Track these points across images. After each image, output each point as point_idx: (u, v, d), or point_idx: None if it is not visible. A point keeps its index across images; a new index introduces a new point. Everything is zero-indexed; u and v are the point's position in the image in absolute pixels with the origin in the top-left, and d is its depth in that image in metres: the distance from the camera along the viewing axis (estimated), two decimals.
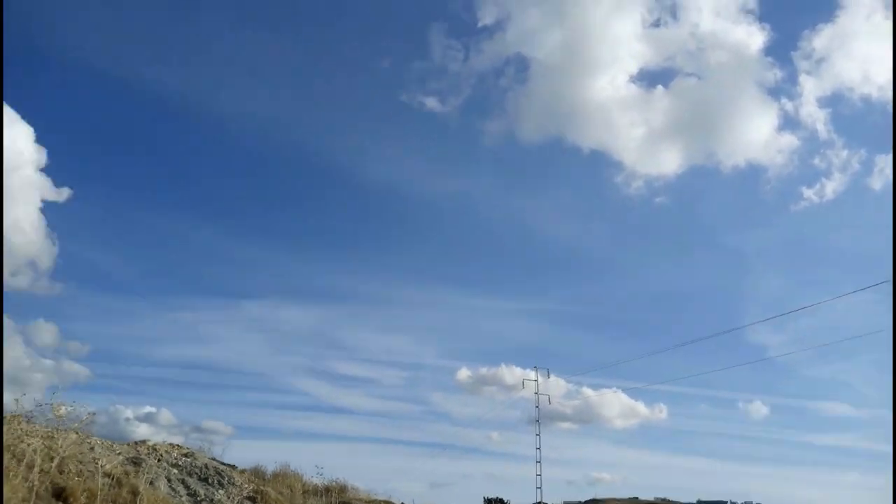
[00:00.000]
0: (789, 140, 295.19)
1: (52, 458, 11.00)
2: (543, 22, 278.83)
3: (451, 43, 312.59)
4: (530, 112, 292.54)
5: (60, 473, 10.94)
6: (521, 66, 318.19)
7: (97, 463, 12.07)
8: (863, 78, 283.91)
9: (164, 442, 15.15)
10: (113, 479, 11.52)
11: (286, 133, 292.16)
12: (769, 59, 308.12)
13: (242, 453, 17.95)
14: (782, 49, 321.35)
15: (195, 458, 14.64)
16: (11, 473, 9.71)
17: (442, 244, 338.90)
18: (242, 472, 16.92)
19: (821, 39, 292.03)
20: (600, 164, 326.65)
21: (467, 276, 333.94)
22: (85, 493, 10.38)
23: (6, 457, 9.92)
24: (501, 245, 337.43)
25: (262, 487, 14.56)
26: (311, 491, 17.30)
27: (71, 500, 10.23)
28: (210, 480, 13.93)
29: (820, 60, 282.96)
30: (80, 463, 11.59)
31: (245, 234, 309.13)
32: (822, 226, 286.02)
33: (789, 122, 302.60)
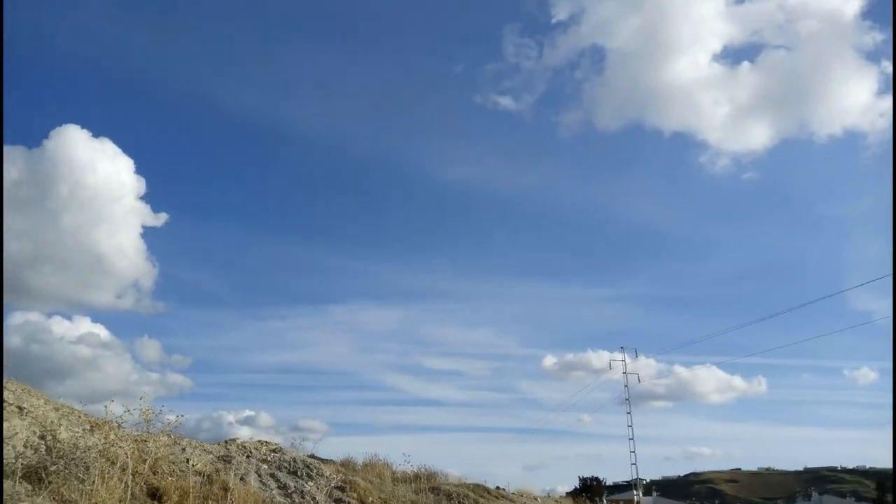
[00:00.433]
0: (891, 103, 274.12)
1: (144, 461, 11.22)
2: (619, 11, 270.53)
3: (525, 41, 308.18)
4: (607, 100, 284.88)
5: (154, 474, 11.15)
6: (597, 56, 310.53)
7: (189, 462, 12.28)
8: None
9: (252, 439, 15.35)
10: (204, 476, 11.68)
11: (365, 144, 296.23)
12: (867, 22, 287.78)
13: (337, 448, 18.20)
14: (881, 10, 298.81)
15: (284, 453, 14.74)
16: (106, 476, 9.93)
17: (521, 237, 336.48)
18: (332, 464, 16.96)
19: None
20: (683, 145, 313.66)
21: (548, 266, 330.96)
22: (178, 492, 10.54)
23: (101, 461, 10.16)
24: (581, 233, 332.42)
25: (350, 477, 14.50)
26: (400, 478, 17.18)
27: (164, 498, 10.40)
28: (299, 473, 13.98)
29: None
30: (173, 463, 11.82)
31: (328, 243, 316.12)
32: None
33: (890, 85, 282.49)
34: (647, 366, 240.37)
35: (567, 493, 63.61)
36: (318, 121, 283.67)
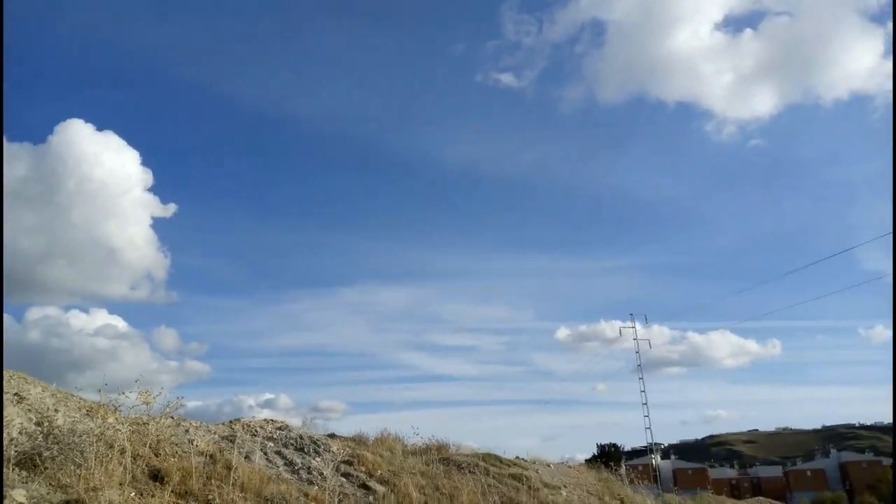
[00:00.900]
0: (890, 94, 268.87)
1: (145, 443, 11.03)
2: None
3: (524, 18, 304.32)
4: (609, 74, 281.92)
5: (156, 456, 10.97)
6: (597, 29, 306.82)
7: (192, 443, 12.10)
8: None
9: (255, 418, 15.19)
10: (207, 456, 11.49)
11: (368, 126, 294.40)
12: None
13: (357, 427, 18.10)
14: None
15: (290, 431, 14.56)
16: (105, 459, 9.73)
17: (528, 214, 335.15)
18: (342, 439, 16.82)
19: None
20: (688, 115, 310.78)
21: (556, 240, 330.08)
22: (180, 472, 10.35)
23: (98, 445, 9.96)
24: (588, 206, 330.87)
25: (359, 452, 14.31)
26: (410, 452, 17.01)
27: (167, 479, 10.22)
28: (306, 450, 13.80)
29: None
30: (175, 445, 11.64)
31: (336, 227, 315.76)
32: None
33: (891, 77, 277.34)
34: (660, 333, 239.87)
35: (586, 461, 63.91)
36: (321, 104, 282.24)
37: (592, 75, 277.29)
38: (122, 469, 9.68)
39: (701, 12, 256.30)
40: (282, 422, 15.21)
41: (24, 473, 8.97)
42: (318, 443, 14.38)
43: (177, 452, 11.35)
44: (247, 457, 12.37)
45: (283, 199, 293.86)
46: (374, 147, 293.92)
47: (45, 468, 9.09)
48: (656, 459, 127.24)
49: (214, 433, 13.32)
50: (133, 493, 9.59)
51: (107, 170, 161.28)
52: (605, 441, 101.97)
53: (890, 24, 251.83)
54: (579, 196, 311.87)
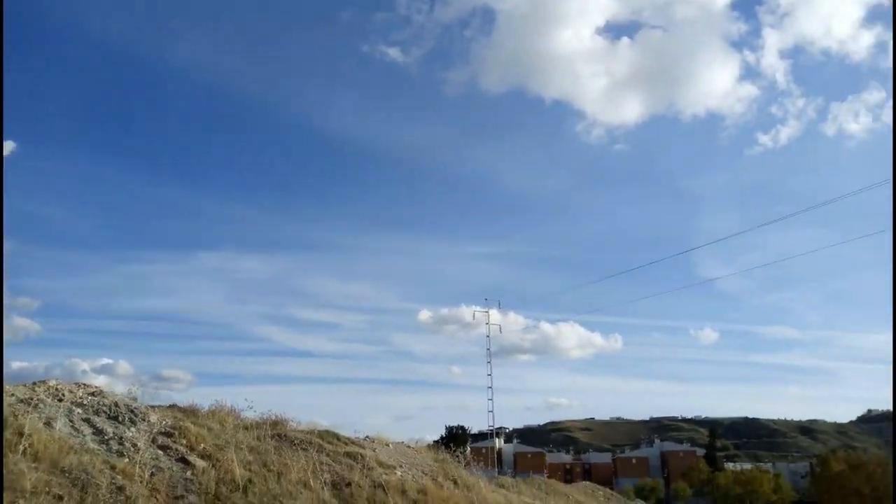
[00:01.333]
0: (749, 90, 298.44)
1: None
2: None
3: None
4: (494, 63, 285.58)
5: None
6: (487, 17, 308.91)
7: None
8: (824, 32, 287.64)
9: (63, 381, 13.71)
10: None
11: (243, 84, 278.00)
12: (735, 13, 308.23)
13: (203, 400, 16.87)
14: (748, 4, 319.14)
15: (104, 397, 13.26)
16: None
17: (403, 192, 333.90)
18: (168, 409, 15.65)
19: None
20: (562, 113, 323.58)
21: (428, 222, 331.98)
22: None
23: None
24: (462, 192, 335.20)
25: (181, 423, 13.32)
26: (244, 426, 16.16)
27: None
28: (121, 419, 12.64)
29: (784, 15, 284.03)
30: None
31: (201, 186, 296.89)
32: (775, 169, 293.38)
33: (750, 73, 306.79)
34: (516, 322, 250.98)
35: (434, 442, 65.40)
36: (196, 58, 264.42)
37: (478, 62, 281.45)
38: None
39: (585, 15, 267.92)
40: (96, 387, 13.85)
41: None
42: (136, 412, 13.24)
43: None
44: (47, 423, 11.10)
45: (146, 151, 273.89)
46: (249, 105, 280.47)
47: None
48: (500, 443, 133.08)
49: (13, 395, 11.85)
50: None
51: None
52: (454, 423, 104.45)
53: (746, 51, 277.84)
54: (454, 180, 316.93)
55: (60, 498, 9.27)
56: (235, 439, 14.13)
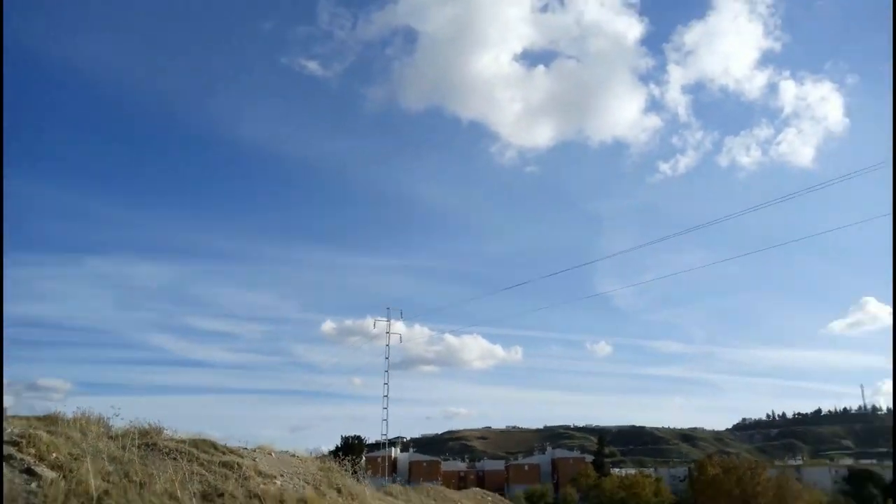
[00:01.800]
0: (653, 121, 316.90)
1: None
2: None
3: (340, 11, 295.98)
4: (414, 82, 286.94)
5: None
6: (409, 37, 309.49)
7: None
8: (723, 71, 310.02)
9: None
10: None
11: (153, 86, 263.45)
12: (643, 48, 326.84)
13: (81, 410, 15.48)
14: (656, 41, 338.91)
15: None
16: None
17: (315, 204, 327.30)
18: (23, 418, 14.30)
19: (691, 35, 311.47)
20: (478, 134, 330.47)
21: (339, 234, 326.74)
22: None
23: None
24: (375, 205, 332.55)
25: (32, 431, 12.14)
26: (110, 435, 15.00)
27: None
28: None
29: (688, 53, 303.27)
30: None
31: (93, 188, 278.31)
32: (673, 196, 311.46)
33: (655, 105, 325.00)
34: (421, 333, 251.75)
35: (329, 452, 64.11)
36: (101, 56, 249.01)
37: (398, 80, 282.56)
38: None
39: (505, 42, 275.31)
40: None
41: None
42: None
43: None
44: None
45: (36, 147, 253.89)
46: (154, 108, 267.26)
47: None
48: (396, 452, 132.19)
49: None
50: None
51: None
52: (353, 434, 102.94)
53: (653, 85, 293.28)
54: (367, 193, 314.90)
55: None
56: (95, 448, 13.05)
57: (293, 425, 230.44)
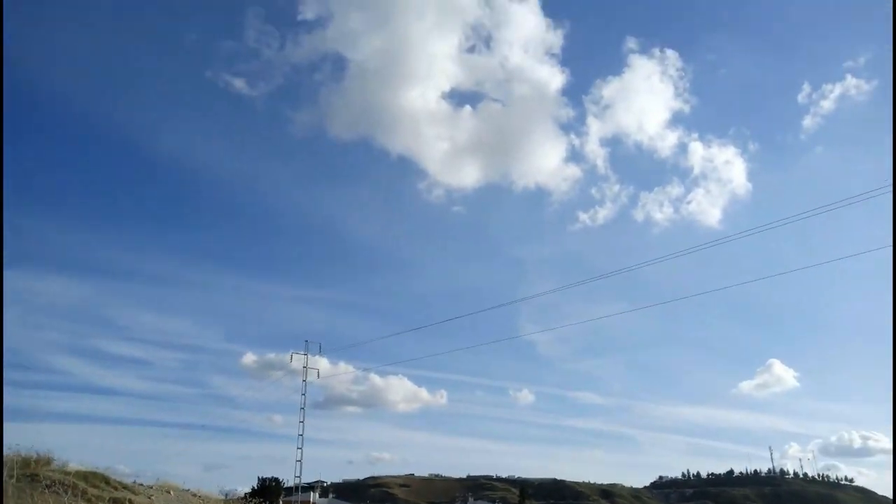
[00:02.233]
0: (573, 171, 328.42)
1: None
2: (366, 26, 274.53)
3: (268, 29, 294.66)
4: (343, 110, 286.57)
5: None
6: (338, 64, 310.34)
7: None
8: (638, 127, 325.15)
9: None
10: None
11: (70, 88, 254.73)
12: (564, 98, 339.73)
13: None
14: (576, 92, 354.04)
15: None
16: None
17: (235, 228, 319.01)
18: None
19: (609, 89, 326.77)
20: (406, 169, 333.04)
21: (261, 262, 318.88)
22: None
23: None
24: (298, 235, 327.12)
25: None
26: None
27: None
28: None
29: (606, 107, 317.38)
30: None
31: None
32: (592, 246, 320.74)
33: (575, 156, 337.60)
34: (345, 371, 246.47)
35: (246, 494, 61.24)
36: (11, 53, 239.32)
37: (327, 106, 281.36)
38: None
39: (432, 78, 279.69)
40: None
41: None
42: None
43: None
44: None
45: None
46: (70, 114, 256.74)
47: None
48: (314, 497, 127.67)
49: None
50: None
51: None
52: (271, 475, 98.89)
53: (573, 135, 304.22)
54: (292, 222, 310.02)
55: None
56: None
57: (208, 463, 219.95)
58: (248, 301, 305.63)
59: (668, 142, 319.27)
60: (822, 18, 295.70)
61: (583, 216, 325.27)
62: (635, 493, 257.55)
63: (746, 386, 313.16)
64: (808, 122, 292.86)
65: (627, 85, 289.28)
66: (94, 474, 15.49)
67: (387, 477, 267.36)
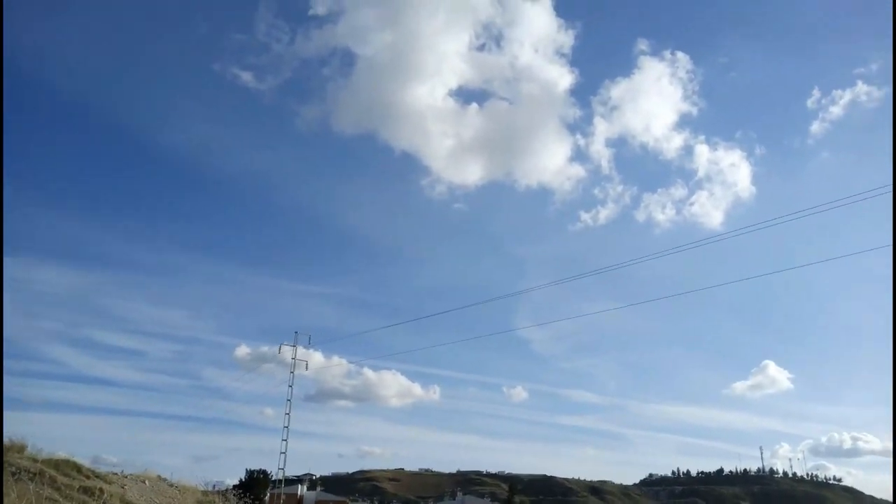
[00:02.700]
0: (577, 170, 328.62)
1: None
2: (376, 22, 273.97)
3: (279, 23, 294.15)
4: (349, 105, 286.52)
5: None
6: (347, 59, 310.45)
7: None
8: (644, 128, 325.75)
9: None
10: None
11: (75, 78, 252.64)
12: (572, 98, 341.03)
13: None
14: (584, 92, 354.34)
15: None
16: None
17: (236, 220, 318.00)
18: None
19: (617, 90, 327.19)
20: (409, 165, 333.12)
21: (259, 255, 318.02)
22: None
23: None
24: (299, 228, 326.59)
25: None
26: None
27: None
28: None
29: (613, 108, 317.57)
30: None
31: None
32: (591, 245, 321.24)
33: (580, 156, 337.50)
34: (339, 365, 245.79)
35: (234, 486, 60.99)
36: (13, 42, 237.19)
37: (333, 101, 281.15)
38: None
39: (440, 75, 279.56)
40: None
41: None
42: None
43: None
44: None
45: None
46: (78, 104, 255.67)
47: None
48: (302, 490, 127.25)
49: None
50: None
51: None
52: (261, 467, 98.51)
53: (579, 135, 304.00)
54: (294, 216, 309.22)
55: None
56: None
57: (198, 455, 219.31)
58: (246, 293, 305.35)
59: (673, 144, 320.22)
60: (835, 24, 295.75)
61: (585, 216, 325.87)
62: (625, 491, 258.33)
63: (740, 386, 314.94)
64: (815, 127, 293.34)
65: (636, 86, 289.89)
66: (66, 462, 14.94)
67: (376, 471, 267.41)
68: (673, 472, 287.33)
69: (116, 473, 16.63)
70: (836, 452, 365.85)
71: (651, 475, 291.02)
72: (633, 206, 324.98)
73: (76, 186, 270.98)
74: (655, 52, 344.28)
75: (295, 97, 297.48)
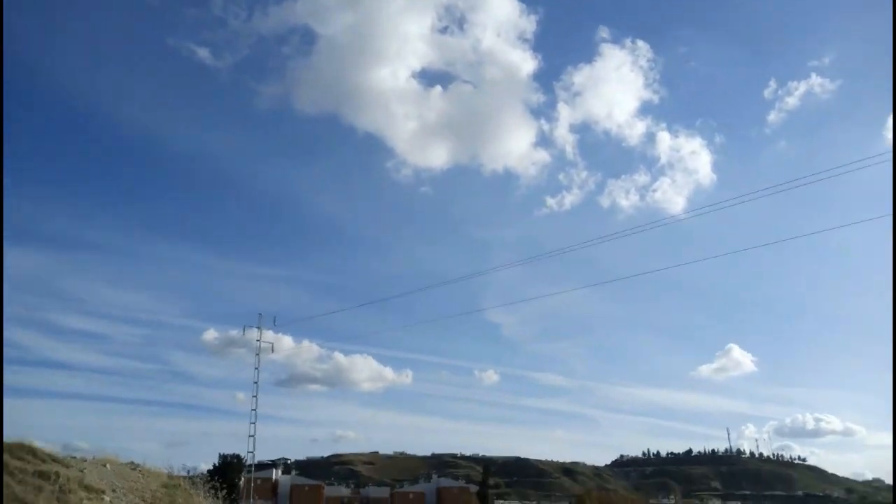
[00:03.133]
0: (542, 156, 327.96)
1: None
2: (337, 2, 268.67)
3: None
4: (310, 84, 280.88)
5: None
6: (307, 38, 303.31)
7: None
8: (607, 115, 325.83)
9: None
10: None
11: (28, 50, 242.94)
12: (535, 83, 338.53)
13: None
14: (547, 78, 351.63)
15: None
16: None
17: (196, 201, 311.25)
18: None
19: (580, 76, 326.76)
20: (373, 147, 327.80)
21: (223, 236, 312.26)
22: None
23: None
24: (261, 210, 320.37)
25: None
26: None
27: None
28: None
29: (576, 94, 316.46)
30: None
31: None
32: (556, 230, 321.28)
33: (544, 141, 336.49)
34: (310, 350, 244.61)
35: (208, 471, 60.42)
36: None
37: (293, 80, 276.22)
38: None
39: (403, 57, 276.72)
40: None
41: None
42: None
43: None
44: None
45: None
46: (26, 81, 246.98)
47: None
48: (277, 474, 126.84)
49: None
50: None
51: None
52: (233, 452, 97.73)
53: (543, 120, 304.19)
54: (256, 195, 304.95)
55: None
56: None
57: (170, 440, 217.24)
58: (209, 277, 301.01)
59: (636, 130, 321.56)
60: (791, 18, 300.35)
61: (550, 201, 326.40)
62: (597, 472, 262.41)
63: (706, 369, 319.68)
64: (773, 116, 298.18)
65: (598, 73, 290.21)
66: (21, 446, 14.30)
67: (351, 455, 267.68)
68: (643, 454, 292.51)
69: (75, 457, 16.05)
70: (799, 433, 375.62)
71: (622, 456, 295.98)
72: (597, 191, 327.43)
73: (28, 164, 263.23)
74: (616, 40, 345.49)
75: (253, 75, 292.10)
